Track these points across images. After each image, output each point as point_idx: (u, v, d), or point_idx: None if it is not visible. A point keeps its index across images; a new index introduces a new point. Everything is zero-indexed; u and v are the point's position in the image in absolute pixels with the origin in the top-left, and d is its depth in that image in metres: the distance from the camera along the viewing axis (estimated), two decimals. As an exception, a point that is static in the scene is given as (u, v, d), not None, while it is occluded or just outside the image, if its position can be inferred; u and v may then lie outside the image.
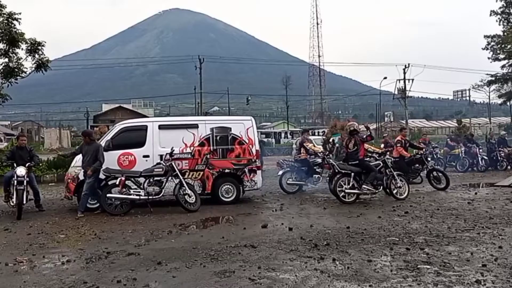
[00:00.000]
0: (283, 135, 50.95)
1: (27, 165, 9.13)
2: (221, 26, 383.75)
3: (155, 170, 9.12)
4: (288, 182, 12.23)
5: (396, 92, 47.10)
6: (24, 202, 8.80)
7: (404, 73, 46.25)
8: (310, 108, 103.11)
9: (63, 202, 10.74)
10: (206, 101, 68.51)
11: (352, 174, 9.98)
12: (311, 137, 26.58)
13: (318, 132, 41.42)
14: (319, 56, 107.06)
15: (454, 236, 6.41)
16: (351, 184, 9.93)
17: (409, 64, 46.35)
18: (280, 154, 35.85)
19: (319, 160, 12.37)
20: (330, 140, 10.85)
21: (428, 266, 4.90)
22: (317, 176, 12.42)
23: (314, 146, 13.83)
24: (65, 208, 10.10)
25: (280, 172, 12.45)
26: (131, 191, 9.06)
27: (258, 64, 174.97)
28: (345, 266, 4.97)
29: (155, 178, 9.14)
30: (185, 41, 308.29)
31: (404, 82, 46.11)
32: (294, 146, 27.94)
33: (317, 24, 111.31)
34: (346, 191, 9.92)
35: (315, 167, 12.46)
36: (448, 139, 19.87)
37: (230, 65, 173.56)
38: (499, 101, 48.84)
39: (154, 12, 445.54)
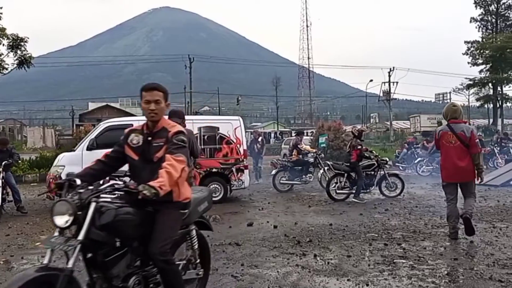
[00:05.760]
0: (272, 135, 51.17)
1: (3, 163, 8.77)
2: (212, 26, 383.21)
3: (141, 169, 9.08)
4: (281, 181, 12.50)
5: (381, 95, 47.88)
6: (0, 203, 8.44)
7: (389, 76, 47.19)
8: (299, 109, 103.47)
9: (45, 202, 10.63)
10: (197, 100, 68.42)
11: (345, 174, 10.35)
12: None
13: (307, 133, 41.68)
14: (308, 58, 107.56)
15: (429, 232, 6.63)
16: (343, 183, 10.33)
17: (393, 67, 47.40)
18: (270, 154, 36.02)
19: (312, 160, 12.65)
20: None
21: (403, 261, 5.07)
22: (309, 175, 12.68)
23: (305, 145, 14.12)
24: (47, 209, 9.98)
25: (274, 172, 12.71)
26: (116, 191, 9.00)
27: (248, 64, 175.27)
28: (325, 262, 5.11)
29: (141, 178, 9.09)
30: (175, 40, 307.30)
31: (389, 84, 46.95)
32: (283, 146, 28.21)
33: (307, 26, 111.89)
34: (338, 191, 10.32)
35: (307, 167, 12.72)
36: (424, 141, 20.16)
37: (220, 65, 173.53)
38: (478, 103, 49.91)
39: (143, 10, 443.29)
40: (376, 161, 10.58)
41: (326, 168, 12.86)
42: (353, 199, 10.05)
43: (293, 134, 44.59)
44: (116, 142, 11.34)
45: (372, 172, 10.57)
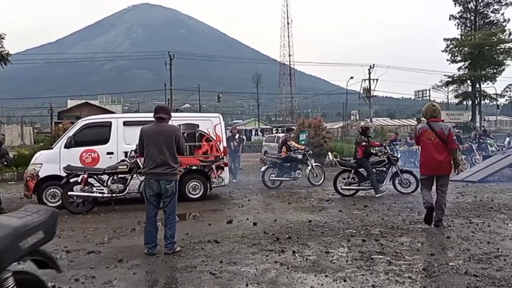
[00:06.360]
0: (253, 132, 51.25)
1: None
2: (192, 23, 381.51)
3: (119, 167, 9.00)
4: (270, 177, 12.58)
5: (361, 92, 48.26)
6: None
7: (369, 73, 47.56)
8: (280, 106, 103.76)
9: (23, 200, 10.50)
10: (177, 98, 68.04)
11: (352, 170, 10.43)
12: (281, 135, 26.95)
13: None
14: (289, 55, 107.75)
15: (407, 227, 6.70)
16: (350, 179, 10.42)
17: (373, 64, 47.79)
18: (251, 151, 36.02)
19: (300, 156, 12.77)
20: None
21: (381, 256, 5.10)
22: (298, 172, 12.79)
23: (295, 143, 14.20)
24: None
25: (263, 168, 12.78)
26: (94, 189, 8.96)
27: (229, 61, 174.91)
28: (304, 258, 5.10)
29: (119, 176, 9.05)
30: (155, 37, 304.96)
31: (369, 82, 47.34)
32: (264, 143, 28.26)
33: (288, 23, 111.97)
34: (343, 187, 10.42)
35: (296, 163, 12.82)
36: (408, 137, 20.45)
37: (201, 62, 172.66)
38: (457, 100, 50.69)
39: (123, 6, 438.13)
40: (387, 158, 10.56)
41: (314, 164, 12.99)
42: (376, 196, 10.04)
43: (274, 131, 44.78)
44: (94, 139, 11.01)
45: (383, 169, 10.54)
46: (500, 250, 5.24)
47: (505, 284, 4.07)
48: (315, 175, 12.91)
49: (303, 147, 13.56)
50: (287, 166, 12.66)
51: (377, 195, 10.05)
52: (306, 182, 13.00)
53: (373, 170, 10.35)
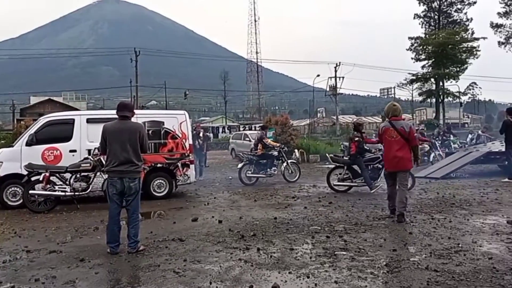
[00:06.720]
0: (220, 129, 51.13)
1: None
2: (158, 19, 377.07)
3: (82, 165, 8.83)
4: (247, 174, 12.66)
5: (328, 89, 48.85)
6: None
7: (335, 71, 48.19)
8: (248, 104, 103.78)
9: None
10: (143, 94, 66.90)
11: (345, 166, 10.51)
12: (248, 132, 27.00)
13: (255, 127, 41.92)
14: (256, 53, 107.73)
15: (371, 224, 6.80)
16: (343, 175, 10.49)
17: (339, 62, 48.41)
18: (218, 148, 35.94)
19: (276, 153, 12.93)
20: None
21: (344, 253, 5.15)
22: (273, 168, 12.92)
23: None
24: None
25: (240, 165, 12.89)
26: (56, 187, 8.74)
27: (196, 58, 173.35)
28: (268, 255, 5.11)
29: (82, 174, 8.85)
30: (121, 33, 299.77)
31: (335, 79, 47.99)
32: (231, 140, 28.23)
33: (255, 21, 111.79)
34: (335, 183, 10.53)
35: (272, 160, 12.94)
36: (374, 135, 20.85)
37: (168, 58, 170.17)
38: (421, 98, 52.00)
39: (88, 1, 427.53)
40: (382, 155, 10.60)
41: (289, 161, 13.13)
42: (370, 192, 10.03)
43: (241, 128, 44.78)
44: (57, 137, 10.75)
45: (379, 166, 10.43)
46: (460, 245, 5.37)
47: (464, 279, 4.16)
48: (290, 171, 13.08)
49: (278, 144, 13.69)
50: (263, 163, 12.79)
51: (371, 191, 10.08)
52: (274, 179, 13.06)
53: (368, 166, 10.37)
